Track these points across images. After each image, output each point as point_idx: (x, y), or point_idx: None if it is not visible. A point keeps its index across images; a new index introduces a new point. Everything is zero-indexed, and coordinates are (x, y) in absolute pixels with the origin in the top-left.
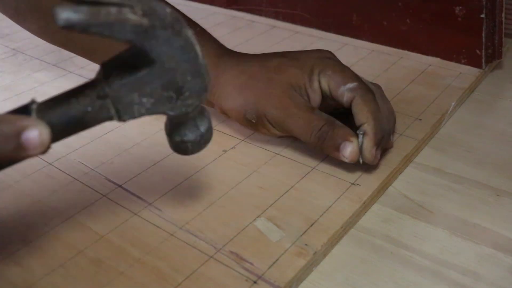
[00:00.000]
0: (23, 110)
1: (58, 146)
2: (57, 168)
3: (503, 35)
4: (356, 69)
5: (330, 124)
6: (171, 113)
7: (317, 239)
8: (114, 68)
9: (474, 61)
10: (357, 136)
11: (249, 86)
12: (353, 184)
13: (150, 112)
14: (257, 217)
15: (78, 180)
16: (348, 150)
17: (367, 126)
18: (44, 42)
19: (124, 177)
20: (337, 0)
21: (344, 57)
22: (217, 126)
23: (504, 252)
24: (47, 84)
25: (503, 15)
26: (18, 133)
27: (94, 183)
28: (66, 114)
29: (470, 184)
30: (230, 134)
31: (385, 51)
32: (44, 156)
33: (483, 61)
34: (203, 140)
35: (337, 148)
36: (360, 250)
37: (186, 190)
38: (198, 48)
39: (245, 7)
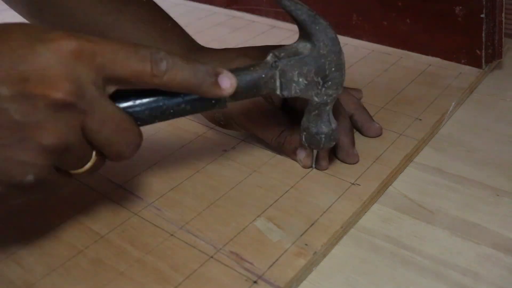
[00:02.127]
0: None
1: None
2: None
3: (503, 35)
4: (356, 69)
5: (289, 130)
6: (316, 99)
7: (317, 239)
8: (281, 52)
9: (474, 61)
10: None
11: None
12: (353, 184)
13: (301, 93)
14: (257, 217)
15: (78, 181)
16: (303, 156)
17: None
18: None
19: (124, 177)
20: (337, 0)
21: (344, 57)
22: (217, 126)
23: (504, 252)
24: None
25: (503, 15)
26: (217, 74)
27: (94, 183)
28: (246, 76)
29: (470, 184)
30: (230, 134)
31: (385, 51)
32: None
33: (483, 61)
34: (333, 136)
35: (294, 152)
36: (360, 250)
37: (186, 190)
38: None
39: (245, 7)
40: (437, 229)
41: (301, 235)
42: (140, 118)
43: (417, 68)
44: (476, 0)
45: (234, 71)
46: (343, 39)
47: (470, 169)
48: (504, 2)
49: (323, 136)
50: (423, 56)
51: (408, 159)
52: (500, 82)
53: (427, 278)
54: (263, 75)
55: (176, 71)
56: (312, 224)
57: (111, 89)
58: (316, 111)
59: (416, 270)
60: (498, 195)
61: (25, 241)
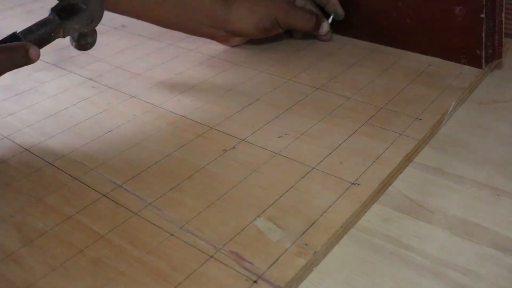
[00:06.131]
0: (16, 38)
1: (58, 146)
2: (57, 168)
3: (503, 35)
4: (356, 69)
5: (317, 16)
6: (85, 30)
7: (317, 239)
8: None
9: (474, 61)
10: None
11: (259, 4)
12: (353, 184)
13: (79, 30)
14: (257, 217)
15: (78, 180)
16: (325, 27)
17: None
18: None
19: (124, 177)
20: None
21: (344, 57)
22: (217, 126)
23: (504, 252)
24: (47, 84)
25: (503, 15)
26: (27, 51)
27: (94, 183)
28: (40, 36)
29: (470, 184)
30: (230, 134)
31: (385, 51)
32: (44, 156)
33: (483, 61)
34: (94, 43)
35: (318, 28)
36: (360, 250)
37: (186, 190)
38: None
39: None
40: (437, 229)
41: (301, 235)
42: None
43: (417, 68)
44: (476, 0)
45: (30, 33)
46: (343, 39)
47: (470, 169)
48: (504, 2)
49: (89, 45)
50: (423, 56)
51: (408, 159)
52: (500, 82)
53: (427, 278)
54: (52, 34)
55: None
56: (312, 224)
57: None
58: (84, 34)
59: (416, 270)
60: (498, 195)
61: (25, 241)
